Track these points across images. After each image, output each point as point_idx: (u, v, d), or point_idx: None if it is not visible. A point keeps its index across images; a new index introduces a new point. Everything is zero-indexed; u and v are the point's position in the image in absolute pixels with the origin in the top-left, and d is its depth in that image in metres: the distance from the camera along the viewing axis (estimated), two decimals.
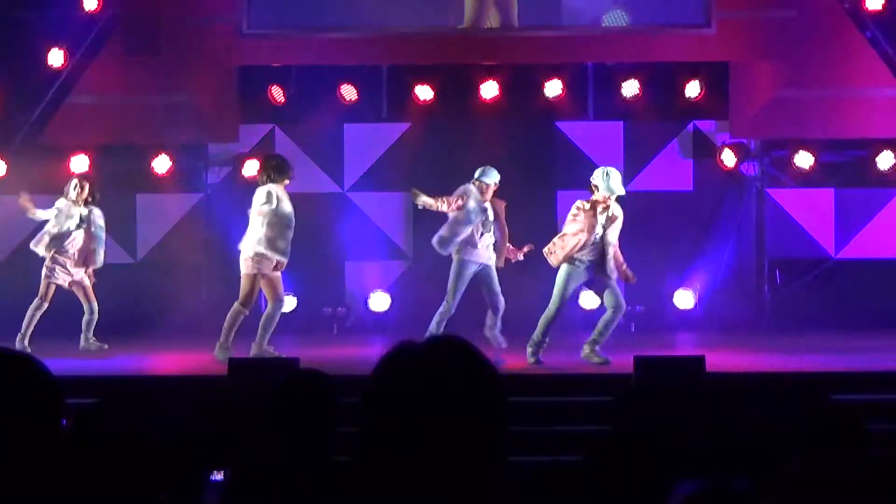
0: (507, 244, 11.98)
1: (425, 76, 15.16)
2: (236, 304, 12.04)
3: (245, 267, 11.96)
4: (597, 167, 11.90)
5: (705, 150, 15.26)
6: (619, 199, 11.41)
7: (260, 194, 11.94)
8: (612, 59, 15.15)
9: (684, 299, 14.96)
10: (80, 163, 14.83)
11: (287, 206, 11.97)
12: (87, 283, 13.17)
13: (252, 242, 11.92)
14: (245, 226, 13.40)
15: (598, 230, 11.32)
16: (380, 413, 2.33)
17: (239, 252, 12.10)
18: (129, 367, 12.11)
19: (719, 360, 11.24)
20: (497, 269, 11.99)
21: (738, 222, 15.25)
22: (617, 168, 11.82)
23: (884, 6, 14.18)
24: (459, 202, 11.86)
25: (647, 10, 14.74)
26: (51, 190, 15.11)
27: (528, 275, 13.99)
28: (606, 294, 11.43)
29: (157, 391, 10.88)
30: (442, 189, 12.27)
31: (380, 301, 15.15)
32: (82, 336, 13.09)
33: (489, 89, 15.07)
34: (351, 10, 14.58)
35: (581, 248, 11.34)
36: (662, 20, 14.64)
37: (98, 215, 13.18)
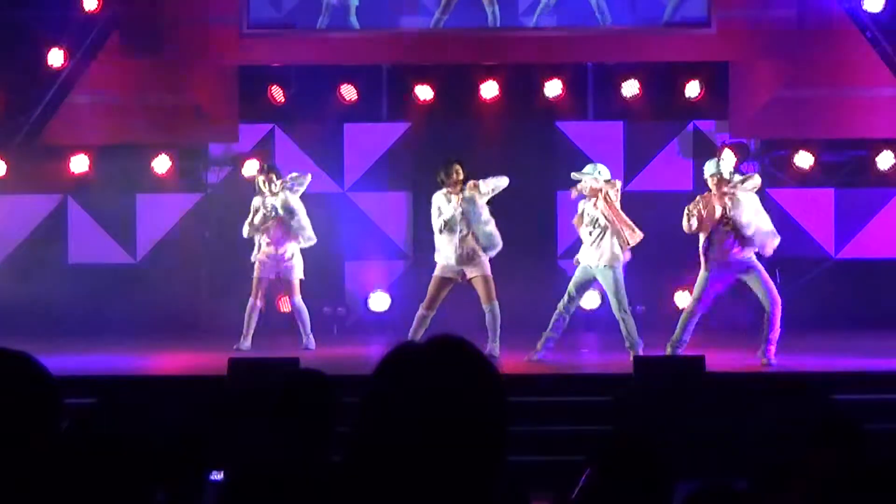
0: None
1: (425, 76, 15.15)
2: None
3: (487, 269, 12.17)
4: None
5: (705, 150, 15.22)
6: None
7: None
8: (612, 59, 15.14)
9: (684, 299, 14.93)
10: (80, 163, 14.83)
11: None
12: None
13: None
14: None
15: None
16: (379, 414, 2.33)
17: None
18: (129, 367, 12.10)
19: (719, 360, 11.23)
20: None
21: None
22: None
23: (884, 6, 14.18)
24: None
25: (647, 9, 14.77)
26: (51, 190, 15.16)
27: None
28: None
29: (157, 391, 10.88)
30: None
31: (380, 301, 15.14)
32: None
33: (489, 89, 15.06)
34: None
35: None
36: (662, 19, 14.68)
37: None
